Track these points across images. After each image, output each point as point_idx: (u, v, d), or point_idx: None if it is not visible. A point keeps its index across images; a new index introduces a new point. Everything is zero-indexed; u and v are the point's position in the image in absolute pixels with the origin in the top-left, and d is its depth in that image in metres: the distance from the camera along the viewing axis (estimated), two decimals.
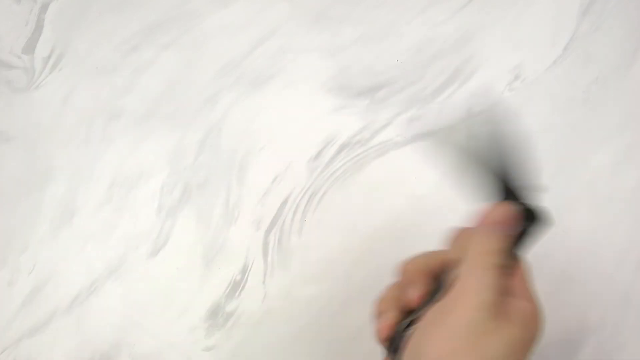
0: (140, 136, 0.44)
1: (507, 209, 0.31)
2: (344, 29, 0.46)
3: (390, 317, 0.30)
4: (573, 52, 0.45)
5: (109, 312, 0.41)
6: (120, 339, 0.41)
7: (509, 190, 0.32)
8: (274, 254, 0.42)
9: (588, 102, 0.44)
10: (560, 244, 0.42)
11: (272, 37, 0.46)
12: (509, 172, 0.32)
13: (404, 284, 0.31)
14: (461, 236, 0.31)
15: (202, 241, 0.42)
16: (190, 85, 0.45)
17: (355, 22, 0.46)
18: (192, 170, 0.43)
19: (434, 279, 0.31)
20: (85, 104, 0.45)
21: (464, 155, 0.32)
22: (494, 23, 0.46)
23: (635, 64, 0.45)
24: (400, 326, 0.30)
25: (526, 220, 0.31)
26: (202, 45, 0.46)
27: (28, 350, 0.41)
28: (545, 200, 0.43)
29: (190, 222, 0.42)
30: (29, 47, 0.46)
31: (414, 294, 0.30)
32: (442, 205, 0.42)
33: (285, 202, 0.43)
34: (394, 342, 0.30)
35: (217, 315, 0.41)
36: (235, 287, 0.41)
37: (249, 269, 0.42)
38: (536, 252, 0.42)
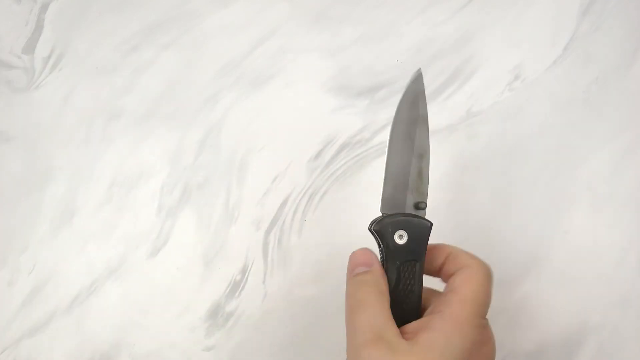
0: (140, 136, 0.44)
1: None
2: (344, 29, 0.46)
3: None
4: (573, 52, 0.45)
5: (109, 312, 0.41)
6: (120, 339, 0.41)
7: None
8: (274, 254, 0.42)
9: (588, 102, 0.44)
10: (560, 244, 0.42)
11: (272, 37, 0.46)
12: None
13: None
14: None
15: (202, 241, 0.42)
16: (190, 85, 0.45)
17: (355, 22, 0.46)
18: (192, 170, 0.43)
19: None
20: (85, 104, 0.45)
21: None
22: (494, 23, 0.46)
23: (635, 64, 0.45)
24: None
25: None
26: (202, 45, 0.46)
27: (28, 350, 0.41)
28: (545, 200, 0.43)
29: (190, 222, 0.42)
30: (29, 47, 0.46)
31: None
32: (441, 205, 0.42)
33: (285, 202, 0.43)
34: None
35: (217, 315, 0.41)
36: (235, 287, 0.41)
37: (249, 269, 0.42)
38: (536, 252, 0.42)
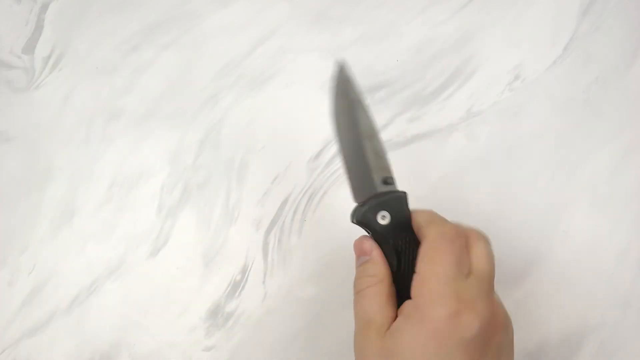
0: (140, 136, 0.44)
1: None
2: (344, 29, 0.46)
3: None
4: (573, 52, 0.45)
5: (109, 312, 0.41)
6: (120, 339, 0.41)
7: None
8: (274, 254, 0.42)
9: (588, 102, 0.44)
10: (560, 244, 0.42)
11: (272, 37, 0.46)
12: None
13: None
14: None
15: (202, 241, 0.42)
16: (190, 85, 0.45)
17: (355, 22, 0.46)
18: (192, 170, 0.43)
19: None
20: (85, 104, 0.45)
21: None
22: (494, 23, 0.46)
23: (635, 64, 0.45)
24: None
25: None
26: (202, 45, 0.46)
27: (28, 350, 0.41)
28: (545, 200, 0.43)
29: (190, 222, 0.42)
30: (29, 47, 0.46)
31: None
32: (441, 205, 0.42)
33: (285, 202, 0.43)
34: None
35: (217, 315, 0.41)
36: (235, 287, 0.41)
37: (249, 269, 0.42)
38: (536, 252, 0.42)
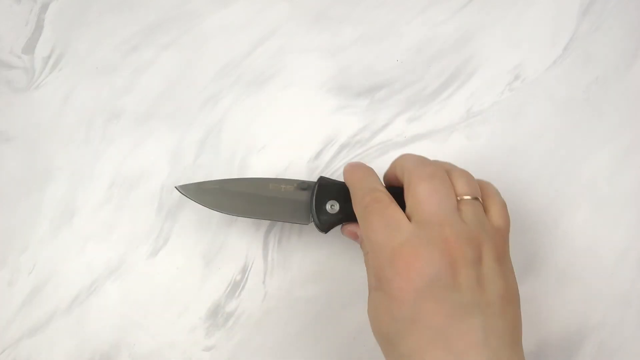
0: (140, 136, 0.44)
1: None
2: (344, 29, 0.46)
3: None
4: (573, 52, 0.45)
5: (109, 312, 0.41)
6: (120, 339, 0.41)
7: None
8: (274, 254, 0.42)
9: (588, 102, 0.44)
10: (560, 244, 0.42)
11: (272, 37, 0.46)
12: None
13: None
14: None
15: (202, 241, 0.42)
16: (190, 85, 0.45)
17: (355, 22, 0.46)
18: (192, 170, 0.43)
19: None
20: (85, 104, 0.45)
21: None
22: (494, 23, 0.46)
23: (635, 64, 0.45)
24: None
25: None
26: (202, 45, 0.46)
27: (28, 350, 0.41)
28: (545, 200, 0.43)
29: (190, 222, 0.42)
30: (29, 47, 0.46)
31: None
32: None
33: None
34: None
35: (217, 315, 0.41)
36: (235, 287, 0.41)
37: (249, 269, 0.42)
38: (536, 252, 0.42)
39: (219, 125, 0.44)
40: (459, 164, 0.36)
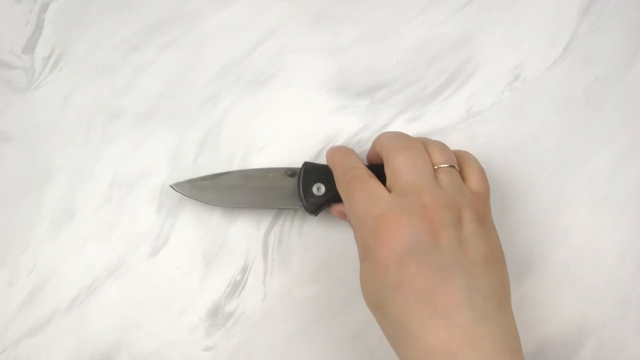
0: (140, 136, 0.44)
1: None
2: (344, 29, 0.46)
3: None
4: (573, 52, 0.45)
5: (109, 312, 0.41)
6: (120, 339, 0.41)
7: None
8: (274, 254, 0.42)
9: (588, 102, 0.44)
10: (560, 244, 0.42)
11: (272, 37, 0.46)
12: None
13: None
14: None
15: (202, 241, 0.42)
16: (190, 85, 0.45)
17: (355, 22, 0.46)
18: (192, 170, 0.43)
19: None
20: (85, 104, 0.45)
21: None
22: (494, 23, 0.46)
23: (635, 64, 0.45)
24: None
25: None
26: (202, 45, 0.46)
27: (28, 350, 0.41)
28: (545, 200, 0.43)
29: (190, 222, 0.42)
30: (29, 47, 0.46)
31: None
32: None
33: None
34: None
35: (217, 315, 0.41)
36: (235, 287, 0.41)
37: (249, 269, 0.42)
38: (536, 252, 0.42)
39: (219, 125, 0.44)
40: None
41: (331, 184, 0.38)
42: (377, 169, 0.36)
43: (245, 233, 0.42)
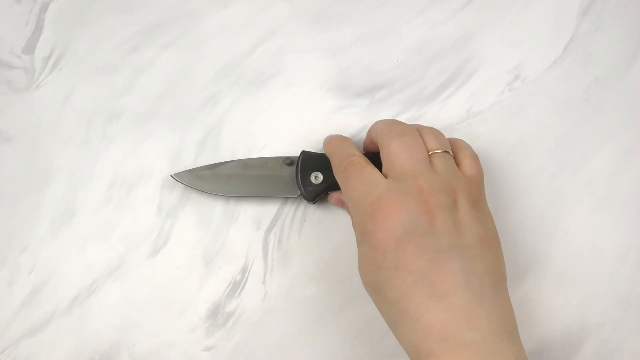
0: (140, 136, 0.44)
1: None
2: (344, 29, 0.46)
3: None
4: (573, 52, 0.45)
5: (109, 312, 0.41)
6: (120, 339, 0.41)
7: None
8: (274, 254, 0.42)
9: (588, 102, 0.44)
10: (560, 244, 0.42)
11: (272, 37, 0.46)
12: None
13: None
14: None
15: (202, 241, 0.42)
16: (190, 85, 0.45)
17: (355, 22, 0.46)
18: None
19: None
20: (85, 104, 0.45)
21: None
22: (494, 23, 0.46)
23: (635, 64, 0.45)
24: None
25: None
26: (202, 45, 0.46)
27: (28, 350, 0.41)
28: (545, 200, 0.43)
29: (190, 222, 0.42)
30: (29, 47, 0.46)
31: None
32: None
33: (285, 202, 0.43)
34: None
35: (217, 315, 0.41)
36: (235, 287, 0.41)
37: (249, 269, 0.42)
38: (536, 252, 0.42)
39: (219, 125, 0.44)
40: None
41: (329, 172, 0.39)
42: (373, 156, 0.37)
43: (245, 233, 0.42)
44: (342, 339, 0.40)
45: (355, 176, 0.34)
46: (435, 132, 0.37)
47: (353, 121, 0.44)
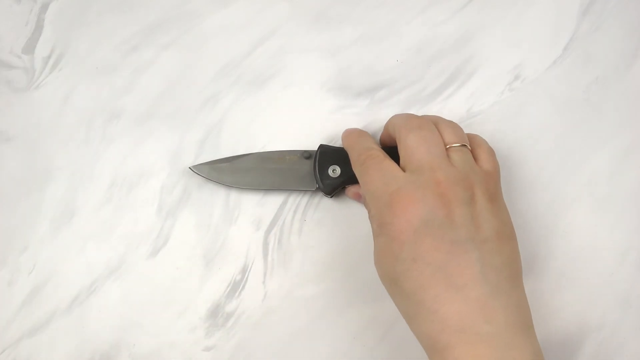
0: (140, 136, 0.44)
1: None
2: (344, 29, 0.46)
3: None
4: (573, 52, 0.45)
5: (109, 312, 0.41)
6: (120, 339, 0.41)
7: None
8: (274, 254, 0.42)
9: (588, 102, 0.44)
10: (560, 244, 0.42)
11: (272, 37, 0.46)
12: None
13: None
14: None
15: (202, 241, 0.42)
16: (190, 85, 0.45)
17: (355, 22, 0.46)
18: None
19: None
20: (85, 104, 0.45)
21: None
22: (494, 23, 0.46)
23: (635, 64, 0.45)
24: None
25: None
26: (202, 45, 0.46)
27: (28, 350, 0.41)
28: (545, 200, 0.43)
29: (190, 222, 0.42)
30: (29, 47, 0.46)
31: None
32: None
33: (285, 202, 0.43)
34: None
35: (217, 315, 0.41)
36: (235, 287, 0.41)
37: (249, 269, 0.42)
38: (536, 252, 0.42)
39: (219, 125, 0.44)
40: None
41: (346, 165, 0.39)
42: (390, 150, 0.37)
43: (245, 233, 0.42)
44: (342, 339, 0.40)
45: (374, 169, 0.35)
46: (453, 125, 0.37)
47: (353, 121, 0.44)
